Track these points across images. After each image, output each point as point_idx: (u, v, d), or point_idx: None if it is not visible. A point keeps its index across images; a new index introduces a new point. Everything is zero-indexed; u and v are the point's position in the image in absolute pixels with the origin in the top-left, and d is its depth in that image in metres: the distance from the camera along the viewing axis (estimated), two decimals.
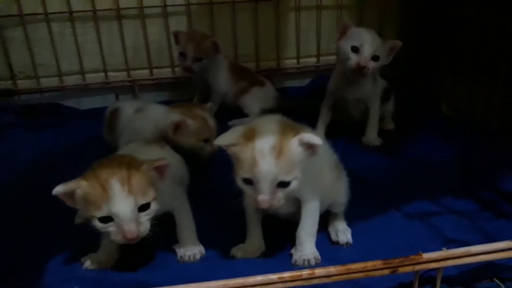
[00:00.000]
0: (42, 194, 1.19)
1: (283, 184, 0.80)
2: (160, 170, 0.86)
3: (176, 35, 1.65)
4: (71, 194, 0.80)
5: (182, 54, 1.63)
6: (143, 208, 0.82)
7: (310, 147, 0.81)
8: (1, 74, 1.77)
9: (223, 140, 0.84)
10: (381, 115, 1.55)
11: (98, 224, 0.81)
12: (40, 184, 1.26)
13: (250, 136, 0.81)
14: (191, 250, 0.96)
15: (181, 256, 0.95)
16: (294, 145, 0.80)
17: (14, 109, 1.73)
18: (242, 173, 0.81)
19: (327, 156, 1.01)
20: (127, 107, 1.36)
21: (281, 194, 0.82)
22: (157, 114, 1.28)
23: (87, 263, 0.92)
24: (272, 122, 0.84)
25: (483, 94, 1.53)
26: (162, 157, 0.88)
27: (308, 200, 0.92)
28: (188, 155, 1.20)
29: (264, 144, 0.79)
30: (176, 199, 0.97)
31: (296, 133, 0.81)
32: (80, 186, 0.80)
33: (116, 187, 0.79)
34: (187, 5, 1.81)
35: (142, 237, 0.82)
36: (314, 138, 0.80)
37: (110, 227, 0.81)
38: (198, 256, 0.95)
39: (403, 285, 0.83)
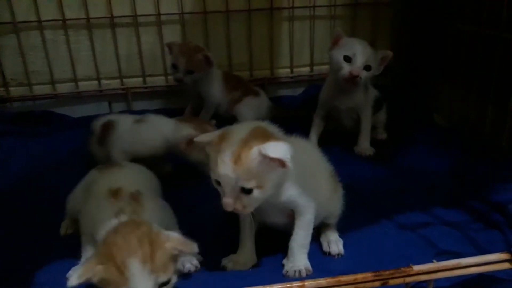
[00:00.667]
0: (34, 202, 1.21)
1: (246, 191, 0.80)
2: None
3: (170, 46, 1.65)
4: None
5: (174, 66, 1.63)
6: (164, 284, 0.75)
7: (275, 160, 0.78)
8: None
9: (201, 137, 0.87)
10: (373, 125, 1.55)
11: None
12: (32, 193, 1.27)
13: (222, 138, 0.82)
14: (190, 259, 0.93)
15: (184, 267, 0.93)
16: (253, 154, 0.78)
17: (6, 117, 1.73)
18: (211, 173, 0.82)
19: (322, 167, 1.01)
20: (123, 119, 1.36)
21: (246, 200, 0.81)
22: (165, 126, 1.30)
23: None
24: (247, 128, 0.83)
25: (475, 105, 1.53)
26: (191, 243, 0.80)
27: (303, 212, 0.91)
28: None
29: (227, 149, 0.79)
30: (161, 211, 0.96)
31: (264, 143, 0.79)
32: (95, 272, 0.72)
33: (135, 267, 0.72)
34: (180, 13, 1.81)
35: None
36: (275, 151, 0.77)
37: None
38: (199, 265, 0.94)
39: None
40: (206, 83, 1.68)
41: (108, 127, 1.34)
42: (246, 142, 0.79)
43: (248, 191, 0.80)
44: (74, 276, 0.72)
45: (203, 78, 1.66)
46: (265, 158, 0.78)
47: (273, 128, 0.87)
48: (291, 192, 0.87)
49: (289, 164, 0.77)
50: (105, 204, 0.90)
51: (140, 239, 0.74)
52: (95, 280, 0.73)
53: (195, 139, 0.89)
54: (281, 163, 0.78)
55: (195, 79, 1.64)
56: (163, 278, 0.74)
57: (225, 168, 0.78)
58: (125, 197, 0.91)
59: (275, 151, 0.77)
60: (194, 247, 0.79)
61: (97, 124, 1.38)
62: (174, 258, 0.78)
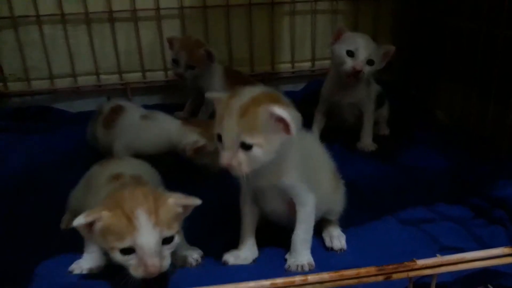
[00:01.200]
0: (33, 198, 1.20)
1: (246, 146, 0.80)
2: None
3: (171, 40, 1.63)
4: (89, 225, 0.75)
5: (175, 61, 1.62)
6: (167, 241, 0.77)
7: (280, 121, 0.79)
8: None
9: (213, 94, 0.89)
10: (375, 120, 1.55)
11: (118, 256, 0.75)
12: (31, 188, 1.26)
13: (233, 95, 0.83)
14: (190, 254, 0.93)
15: (185, 262, 0.92)
16: (261, 111, 0.79)
17: (5, 112, 1.72)
18: (215, 128, 0.83)
19: (324, 161, 1.00)
20: (133, 110, 1.36)
21: (244, 157, 0.80)
22: (170, 127, 1.29)
23: (77, 271, 0.89)
24: (259, 89, 0.85)
25: (476, 102, 1.53)
26: (193, 197, 0.83)
27: (303, 203, 0.91)
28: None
29: (235, 103, 0.80)
30: None
31: (273, 104, 0.80)
32: (102, 217, 0.74)
33: (142, 217, 0.74)
34: (180, 8, 1.80)
35: (162, 272, 0.77)
36: (284, 112, 0.78)
37: (131, 260, 0.76)
38: (200, 260, 0.93)
39: None
40: (207, 78, 1.67)
41: (117, 111, 1.34)
42: (256, 100, 0.80)
43: (248, 147, 0.80)
44: (81, 216, 0.73)
45: (204, 73, 1.65)
46: (272, 116, 0.78)
47: (285, 99, 0.87)
48: (291, 174, 0.87)
49: (293, 131, 0.78)
50: (106, 186, 0.89)
51: (145, 194, 0.77)
52: (99, 226, 0.74)
53: (206, 95, 0.91)
54: (286, 127, 0.78)
55: (196, 75, 1.63)
56: (167, 233, 0.76)
57: (230, 120, 0.79)
58: (127, 178, 0.91)
59: (283, 112, 0.78)
60: (196, 200, 0.81)
61: (107, 106, 1.37)
62: (178, 217, 0.80)
